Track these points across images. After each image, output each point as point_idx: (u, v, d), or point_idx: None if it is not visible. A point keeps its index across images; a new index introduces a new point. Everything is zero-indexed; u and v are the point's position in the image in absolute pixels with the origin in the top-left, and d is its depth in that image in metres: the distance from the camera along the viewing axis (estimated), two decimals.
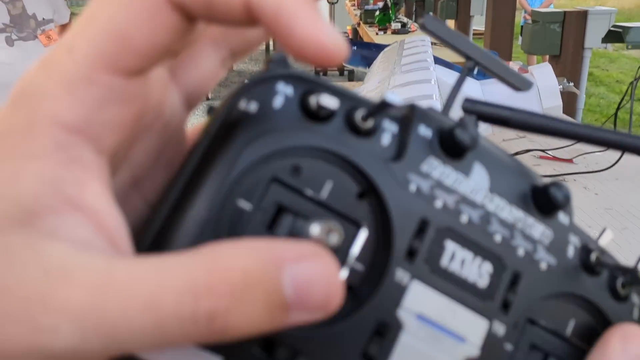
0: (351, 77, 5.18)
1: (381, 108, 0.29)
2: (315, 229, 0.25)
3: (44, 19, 1.81)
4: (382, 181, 0.30)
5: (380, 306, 0.29)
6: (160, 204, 0.28)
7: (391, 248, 0.29)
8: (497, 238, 0.32)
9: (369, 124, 0.30)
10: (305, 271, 0.21)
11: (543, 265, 0.32)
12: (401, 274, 0.29)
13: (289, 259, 0.21)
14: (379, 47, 2.58)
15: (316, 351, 0.27)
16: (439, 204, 0.31)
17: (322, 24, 0.24)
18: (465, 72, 0.38)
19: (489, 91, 1.38)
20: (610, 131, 0.36)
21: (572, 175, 1.38)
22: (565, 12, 3.07)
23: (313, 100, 0.29)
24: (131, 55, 0.22)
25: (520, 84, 0.39)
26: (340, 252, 0.29)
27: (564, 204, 0.32)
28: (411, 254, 0.30)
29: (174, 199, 0.28)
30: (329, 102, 0.29)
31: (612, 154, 1.44)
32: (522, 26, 3.55)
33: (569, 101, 2.45)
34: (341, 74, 5.61)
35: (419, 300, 0.30)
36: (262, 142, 0.29)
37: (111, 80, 0.22)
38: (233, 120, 0.29)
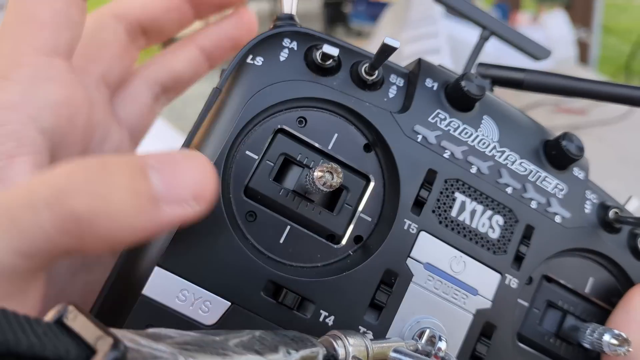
0: (359, 34, 5.10)
1: (383, 53, 0.29)
2: (316, 172, 0.26)
3: None
4: (389, 132, 0.30)
5: (389, 255, 0.29)
6: None
7: (399, 199, 0.30)
8: (509, 190, 0.32)
9: (375, 76, 0.30)
10: (171, 163, 0.22)
11: (557, 219, 0.32)
12: (409, 224, 0.30)
13: (154, 160, 0.21)
14: (387, 5, 2.53)
15: (324, 297, 0.28)
16: (446, 154, 0.31)
17: None
18: (481, 42, 0.38)
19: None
20: (631, 87, 0.35)
21: (587, 128, 1.36)
22: None
23: (317, 53, 0.30)
24: (41, 31, 0.26)
25: (538, 53, 0.39)
26: (350, 205, 0.30)
27: (577, 155, 0.32)
28: (419, 204, 0.30)
29: (185, 148, 0.29)
30: (331, 50, 0.29)
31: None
32: None
33: (581, 52, 2.39)
34: (348, 31, 5.52)
35: (428, 251, 0.30)
36: (268, 92, 0.29)
37: (37, 60, 0.26)
38: (239, 73, 0.30)
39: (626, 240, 0.33)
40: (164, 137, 2.07)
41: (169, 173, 0.21)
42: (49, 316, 0.16)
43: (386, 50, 0.28)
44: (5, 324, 0.14)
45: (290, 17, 0.31)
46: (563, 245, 0.32)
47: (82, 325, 0.15)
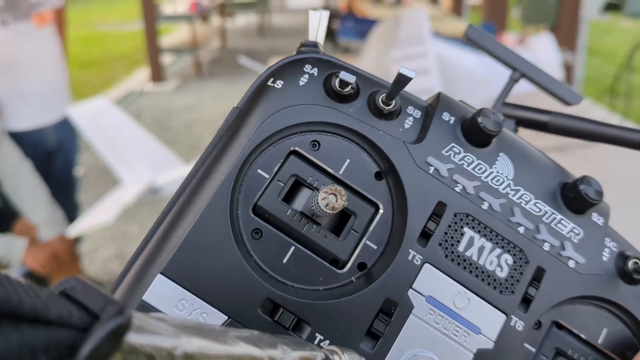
0: (347, 50, 5.15)
1: (398, 83, 0.29)
2: (320, 193, 0.26)
3: (38, 0, 1.77)
4: (400, 161, 0.30)
5: (390, 284, 0.28)
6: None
7: (405, 228, 0.29)
8: (521, 230, 0.31)
9: (392, 106, 0.31)
10: None
11: (571, 264, 0.31)
12: (414, 255, 0.29)
13: None
14: (375, 22, 2.55)
15: (320, 320, 0.27)
16: (458, 188, 0.30)
17: None
18: (511, 83, 0.38)
19: (488, 63, 1.37)
20: None
21: (571, 149, 1.37)
22: None
23: (335, 80, 0.30)
24: None
25: (569, 98, 0.38)
26: (357, 231, 0.29)
27: (596, 200, 0.31)
28: (425, 235, 0.30)
29: (199, 163, 0.30)
30: (347, 77, 0.29)
31: None
32: None
33: (566, 73, 2.42)
34: (336, 47, 5.55)
35: (432, 284, 0.29)
36: (284, 114, 0.30)
37: None
38: (259, 94, 0.31)
39: None
40: (149, 148, 2.05)
41: None
42: (53, 288, 0.16)
43: (401, 80, 0.28)
44: (8, 285, 0.13)
45: (314, 45, 0.32)
46: (575, 292, 0.31)
47: (87, 295, 0.15)
